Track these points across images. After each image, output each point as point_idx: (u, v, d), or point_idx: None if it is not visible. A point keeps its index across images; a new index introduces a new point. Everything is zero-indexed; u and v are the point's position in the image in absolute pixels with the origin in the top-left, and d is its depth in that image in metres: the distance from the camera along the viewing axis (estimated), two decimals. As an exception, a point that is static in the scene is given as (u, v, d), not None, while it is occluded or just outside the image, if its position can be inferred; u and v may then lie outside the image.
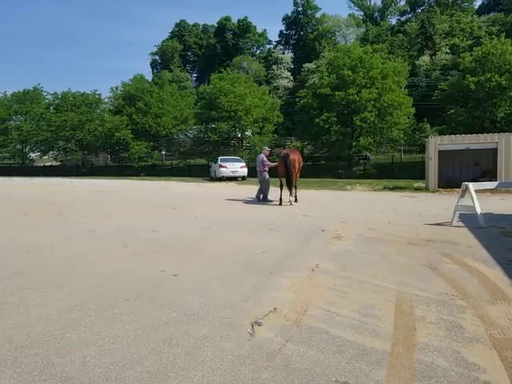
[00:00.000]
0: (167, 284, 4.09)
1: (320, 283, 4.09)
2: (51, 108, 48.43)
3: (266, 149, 13.33)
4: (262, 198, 12.56)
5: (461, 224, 7.53)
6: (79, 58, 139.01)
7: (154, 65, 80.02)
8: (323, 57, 46.82)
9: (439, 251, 5.40)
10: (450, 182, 15.74)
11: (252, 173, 28.54)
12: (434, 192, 14.70)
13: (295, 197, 12.10)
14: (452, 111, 30.02)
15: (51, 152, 48.95)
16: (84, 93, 47.00)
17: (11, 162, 50.65)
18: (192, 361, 2.54)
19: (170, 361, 2.53)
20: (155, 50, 79.17)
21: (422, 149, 27.28)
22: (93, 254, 5.44)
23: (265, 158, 12.65)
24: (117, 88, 47.93)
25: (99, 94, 47.42)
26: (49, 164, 50.10)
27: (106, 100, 48.33)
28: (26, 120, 47.45)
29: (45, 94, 49.62)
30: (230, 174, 25.08)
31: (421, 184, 16.73)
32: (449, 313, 3.27)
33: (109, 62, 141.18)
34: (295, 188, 12.08)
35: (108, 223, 8.26)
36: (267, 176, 12.54)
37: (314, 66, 50.46)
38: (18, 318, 3.22)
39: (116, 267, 4.78)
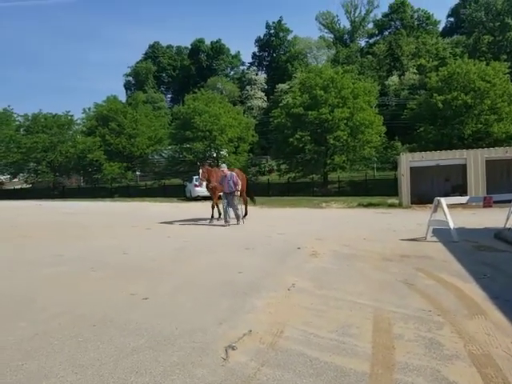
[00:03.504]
0: (137, 308, 3.90)
1: (296, 303, 3.99)
2: (22, 130, 47.14)
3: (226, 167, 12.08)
4: (241, 218, 11.28)
5: (435, 239, 7.62)
6: (51, 79, 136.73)
7: (127, 86, 79.60)
8: (295, 77, 47.72)
9: (415, 266, 5.40)
10: (422, 197, 16.06)
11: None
12: (407, 208, 14.95)
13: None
14: (421, 129, 30.95)
15: (21, 174, 47.43)
16: (56, 114, 46.06)
17: (-22, 185, 48.81)
18: (161, 391, 2.37)
19: (137, 392, 2.36)
20: (129, 71, 79.00)
21: (394, 166, 27.93)
22: (59, 279, 5.17)
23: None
24: (89, 109, 47.28)
25: (71, 116, 46.54)
26: (19, 187, 48.47)
27: (78, 121, 47.50)
28: (-5, 142, 45.94)
29: (15, 115, 48.44)
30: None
31: (394, 200, 17.01)
32: (427, 329, 3.22)
33: (81, 82, 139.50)
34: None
35: (77, 246, 7.94)
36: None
37: (287, 87, 51.36)
38: (-30, 352, 2.97)
39: (83, 292, 4.54)
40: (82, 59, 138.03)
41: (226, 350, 2.89)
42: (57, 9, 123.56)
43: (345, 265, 5.59)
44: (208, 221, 11.71)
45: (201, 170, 11.60)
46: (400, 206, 15.66)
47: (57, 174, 45.72)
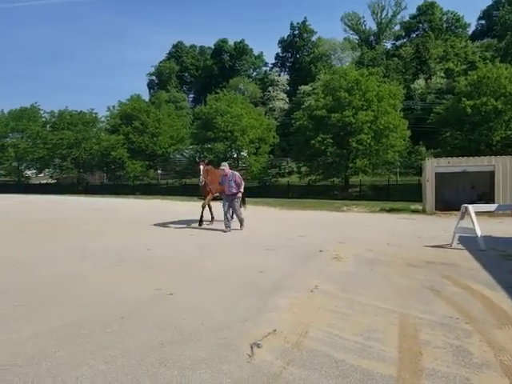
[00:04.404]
0: (162, 303, 3.97)
1: (320, 304, 3.98)
2: (48, 126, 48.49)
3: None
4: (240, 225, 10.07)
5: (461, 246, 7.46)
6: (77, 77, 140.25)
7: (151, 85, 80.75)
8: (319, 79, 47.47)
9: (440, 273, 5.31)
10: (446, 204, 15.72)
11: (250, 192, 28.52)
12: (431, 214, 14.66)
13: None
14: (447, 134, 30.32)
15: (47, 170, 48.79)
16: (81, 111, 47.24)
17: (7, 179, 50.36)
18: (189, 383, 2.41)
19: (167, 383, 2.41)
20: (152, 70, 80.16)
21: (418, 171, 27.42)
22: (87, 272, 5.31)
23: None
24: (114, 107, 48.28)
25: (96, 113, 47.68)
26: (44, 182, 49.81)
27: (102, 119, 48.57)
28: (22, 137, 47.39)
29: (42, 112, 49.85)
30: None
31: (418, 206, 16.69)
32: (455, 337, 3.17)
33: (107, 81, 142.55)
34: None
35: (102, 241, 8.12)
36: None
37: (310, 89, 51.14)
38: (8, 336, 3.09)
39: (109, 286, 4.65)
40: (108, 59, 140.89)
41: (252, 348, 2.92)
42: (84, 8, 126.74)
43: (368, 269, 5.53)
44: (198, 224, 10.59)
45: (201, 167, 10.61)
46: (424, 212, 15.37)
47: (81, 170, 46.86)
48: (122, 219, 12.82)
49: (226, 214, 9.87)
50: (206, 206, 10.96)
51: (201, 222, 10.63)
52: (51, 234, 9.28)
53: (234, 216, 10.21)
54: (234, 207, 9.95)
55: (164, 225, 10.89)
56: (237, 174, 10.19)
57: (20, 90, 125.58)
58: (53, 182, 49.48)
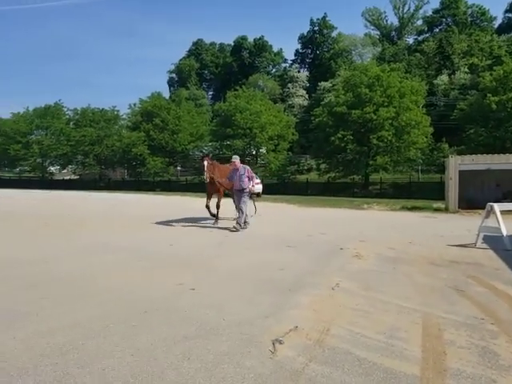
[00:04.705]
0: (185, 298, 4.02)
1: (341, 302, 3.96)
2: (71, 123, 49.64)
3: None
4: (243, 222, 9.42)
5: (485, 246, 7.29)
6: (99, 74, 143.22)
7: (171, 83, 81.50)
8: (339, 75, 46.97)
9: (464, 273, 5.21)
10: (470, 202, 15.37)
11: (269, 189, 28.53)
12: (454, 213, 14.38)
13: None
14: (471, 131, 29.60)
15: (70, 166, 49.98)
16: (103, 109, 48.18)
17: (31, 175, 51.80)
18: (213, 377, 2.45)
19: (191, 376, 2.45)
20: (172, 68, 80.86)
21: (441, 169, 26.86)
22: (109, 267, 5.42)
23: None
24: (135, 105, 48.98)
25: (117, 111, 48.57)
26: (67, 178, 51.02)
27: (124, 116, 49.39)
28: (46, 134, 48.68)
29: (65, 109, 50.99)
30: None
31: (440, 204, 16.37)
32: (480, 337, 3.11)
33: (128, 79, 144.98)
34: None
35: (125, 236, 8.29)
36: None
37: (330, 85, 50.69)
38: (37, 327, 3.19)
39: (133, 280, 4.75)
40: (129, 56, 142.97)
41: (274, 344, 2.93)
42: (106, 7, 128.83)
43: (390, 268, 5.48)
44: (213, 222, 10.27)
45: (205, 163, 9.96)
46: (446, 210, 15.07)
47: (103, 166, 47.80)
48: (144, 215, 13.01)
49: (239, 211, 9.34)
50: (208, 204, 10.50)
51: (216, 218, 10.39)
52: (76, 229, 9.51)
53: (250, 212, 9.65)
54: (244, 203, 9.33)
55: (184, 221, 11.01)
56: (248, 167, 9.68)
57: (43, 88, 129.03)
58: (75, 178, 50.68)
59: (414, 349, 2.91)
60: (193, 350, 2.81)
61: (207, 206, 10.48)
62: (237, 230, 8.92)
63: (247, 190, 9.44)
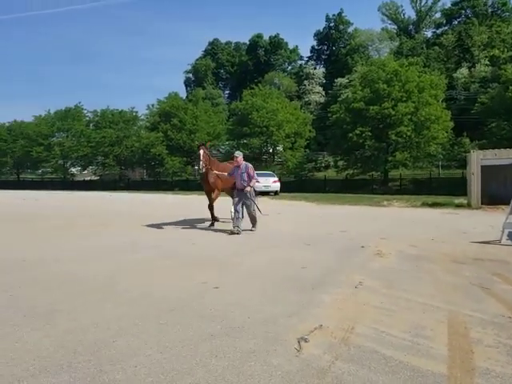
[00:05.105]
0: (209, 296, 4.09)
1: (365, 301, 3.96)
2: (91, 125, 50.63)
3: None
4: (253, 224, 9.02)
5: (510, 242, 7.16)
6: (118, 76, 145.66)
7: (187, 83, 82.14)
8: (356, 71, 46.53)
9: (490, 270, 5.13)
10: (493, 198, 15.06)
11: (287, 187, 28.52)
12: (476, 209, 14.11)
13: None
14: (493, 125, 28.92)
15: (90, 167, 51.00)
16: (122, 110, 48.94)
17: (53, 176, 53.08)
18: (241, 374, 2.50)
19: (219, 373, 2.51)
20: (189, 68, 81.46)
21: (462, 164, 26.36)
22: (136, 266, 5.54)
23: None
24: (153, 105, 49.58)
25: (136, 112, 49.25)
26: (88, 178, 52.07)
27: (142, 117, 50.05)
28: (67, 136, 49.81)
29: (85, 111, 52.07)
30: (263, 189, 25.10)
31: (462, 200, 16.08)
32: (508, 336, 3.07)
33: (145, 80, 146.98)
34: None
35: (149, 235, 8.43)
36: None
37: (347, 81, 50.25)
38: (69, 325, 3.31)
39: (158, 278, 4.85)
40: (146, 57, 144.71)
41: (299, 342, 2.96)
42: (121, 8, 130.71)
43: (413, 265, 5.43)
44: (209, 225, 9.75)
45: (201, 151, 9.08)
46: (468, 206, 14.80)
47: (122, 167, 48.57)
48: (165, 215, 13.18)
49: (235, 212, 8.63)
50: (211, 205, 9.80)
51: (213, 220, 9.77)
52: (101, 228, 9.71)
53: (245, 213, 8.85)
54: (247, 203, 8.71)
55: (203, 220, 11.11)
56: (250, 165, 8.97)
57: (64, 91, 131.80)
58: (96, 178, 51.64)
59: (440, 347, 2.90)
60: (219, 348, 2.87)
61: (210, 207, 9.85)
62: (238, 233, 8.29)
63: (249, 189, 8.73)
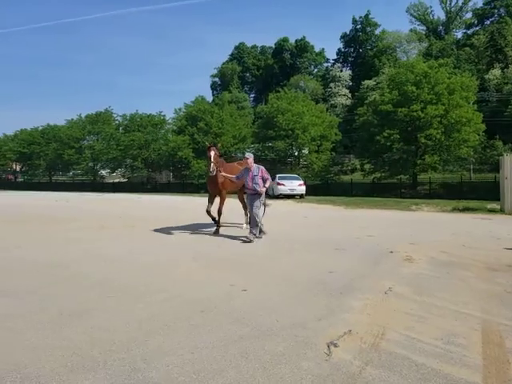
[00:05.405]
0: (238, 298, 4.14)
1: (395, 307, 3.91)
2: (120, 128, 51.92)
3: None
4: (259, 231, 8.29)
5: (547, 249, 6.89)
6: (147, 81, 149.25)
7: (213, 86, 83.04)
8: (383, 73, 45.91)
9: (526, 278, 4.96)
10: (528, 203, 14.51)
11: (313, 190, 28.37)
12: (510, 214, 13.62)
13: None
14: (528, 127, 27.91)
15: (119, 169, 52.24)
16: (150, 114, 49.93)
17: (84, 178, 54.72)
18: (271, 377, 2.52)
19: (250, 375, 2.54)
20: (215, 72, 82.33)
21: (494, 167, 25.54)
22: (164, 267, 5.66)
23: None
24: (180, 109, 50.35)
25: (164, 115, 50.14)
26: (117, 180, 53.34)
27: (169, 121, 50.90)
28: (97, 140, 51.25)
29: (115, 115, 53.53)
30: (288, 192, 25.07)
31: (495, 205, 15.55)
32: (546, 346, 2.98)
33: (173, 84, 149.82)
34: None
35: (177, 237, 8.57)
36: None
37: (374, 83, 49.61)
38: (102, 324, 3.42)
39: (187, 280, 4.93)
40: (174, 63, 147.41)
41: (329, 346, 2.96)
42: (150, 14, 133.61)
43: (444, 272, 5.31)
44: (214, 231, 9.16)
45: (212, 153, 8.65)
46: (502, 211, 14.30)
47: (150, 169, 49.49)
48: (192, 217, 13.36)
49: (251, 217, 8.31)
50: (209, 209, 9.33)
51: (217, 226, 9.26)
52: (132, 229, 9.93)
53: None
54: (257, 208, 8.19)
55: (228, 223, 11.12)
56: (262, 167, 8.43)
57: (95, 96, 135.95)
58: (124, 180, 52.83)
59: (474, 356, 2.84)
60: (249, 350, 2.90)
61: (208, 212, 9.25)
62: (250, 241, 7.77)
63: (261, 192, 8.23)
